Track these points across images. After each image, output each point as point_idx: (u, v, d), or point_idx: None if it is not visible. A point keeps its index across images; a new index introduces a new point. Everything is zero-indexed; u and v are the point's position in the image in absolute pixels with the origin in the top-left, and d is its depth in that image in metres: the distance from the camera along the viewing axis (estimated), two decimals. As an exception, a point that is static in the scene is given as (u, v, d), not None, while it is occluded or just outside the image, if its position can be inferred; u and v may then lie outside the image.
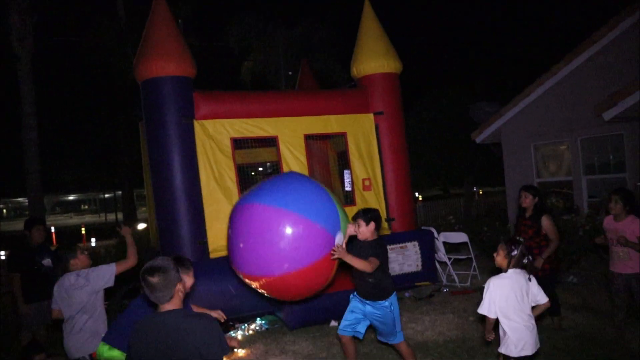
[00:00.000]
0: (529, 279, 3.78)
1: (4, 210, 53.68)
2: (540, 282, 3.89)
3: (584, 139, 10.16)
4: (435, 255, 8.47)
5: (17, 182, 19.54)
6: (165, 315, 2.58)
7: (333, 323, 6.59)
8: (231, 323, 6.80)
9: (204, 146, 7.17)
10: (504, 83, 20.05)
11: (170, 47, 6.98)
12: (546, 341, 5.19)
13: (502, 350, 3.79)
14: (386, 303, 4.36)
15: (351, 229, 4.45)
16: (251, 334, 6.50)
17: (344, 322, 4.61)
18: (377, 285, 4.36)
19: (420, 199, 24.75)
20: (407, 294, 7.73)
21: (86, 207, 58.82)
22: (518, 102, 11.11)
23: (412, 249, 7.95)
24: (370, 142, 8.12)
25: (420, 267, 8.02)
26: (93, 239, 18.15)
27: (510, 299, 3.68)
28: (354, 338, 4.68)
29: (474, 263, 8.56)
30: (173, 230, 6.98)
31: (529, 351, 3.69)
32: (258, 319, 7.00)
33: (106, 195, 45.25)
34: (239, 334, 6.49)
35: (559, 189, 10.99)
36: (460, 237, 8.69)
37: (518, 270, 3.77)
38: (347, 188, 8.10)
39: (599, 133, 9.75)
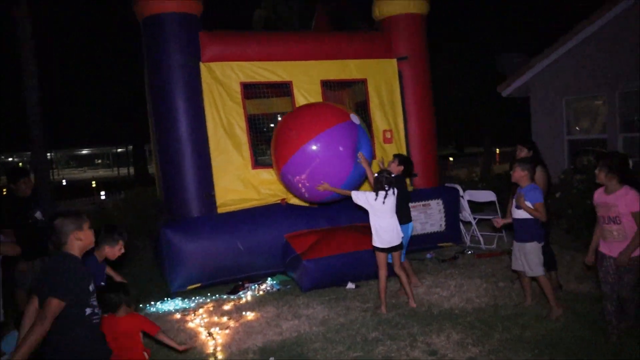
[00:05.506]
0: None
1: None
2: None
3: (624, 93, 9.40)
4: (460, 214, 7.88)
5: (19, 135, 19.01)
6: None
7: (350, 285, 6.09)
8: (240, 283, 6.34)
9: (211, 91, 6.56)
10: (533, 33, 18.68)
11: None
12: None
13: None
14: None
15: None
16: (261, 295, 6.03)
17: None
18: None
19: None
20: (428, 255, 7.20)
21: (99, 161, 58.79)
22: (551, 52, 10.34)
23: (436, 207, 7.36)
24: (393, 89, 7.43)
25: (444, 227, 7.45)
26: (102, 192, 18.37)
27: None
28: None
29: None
30: (178, 182, 6.43)
31: None
32: (269, 278, 6.53)
33: (119, 150, 44.90)
34: (248, 295, 6.03)
35: (591, 148, 10.30)
36: (487, 195, 8.05)
37: None
38: None
39: (642, 87, 8.97)
